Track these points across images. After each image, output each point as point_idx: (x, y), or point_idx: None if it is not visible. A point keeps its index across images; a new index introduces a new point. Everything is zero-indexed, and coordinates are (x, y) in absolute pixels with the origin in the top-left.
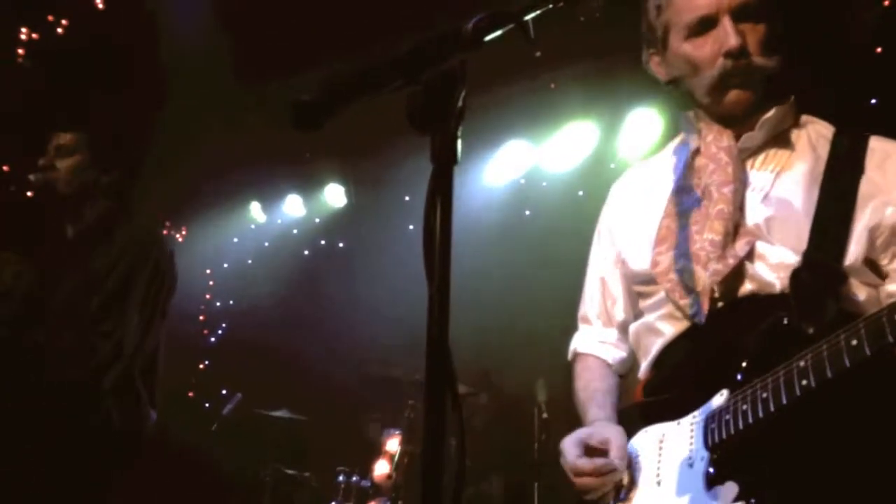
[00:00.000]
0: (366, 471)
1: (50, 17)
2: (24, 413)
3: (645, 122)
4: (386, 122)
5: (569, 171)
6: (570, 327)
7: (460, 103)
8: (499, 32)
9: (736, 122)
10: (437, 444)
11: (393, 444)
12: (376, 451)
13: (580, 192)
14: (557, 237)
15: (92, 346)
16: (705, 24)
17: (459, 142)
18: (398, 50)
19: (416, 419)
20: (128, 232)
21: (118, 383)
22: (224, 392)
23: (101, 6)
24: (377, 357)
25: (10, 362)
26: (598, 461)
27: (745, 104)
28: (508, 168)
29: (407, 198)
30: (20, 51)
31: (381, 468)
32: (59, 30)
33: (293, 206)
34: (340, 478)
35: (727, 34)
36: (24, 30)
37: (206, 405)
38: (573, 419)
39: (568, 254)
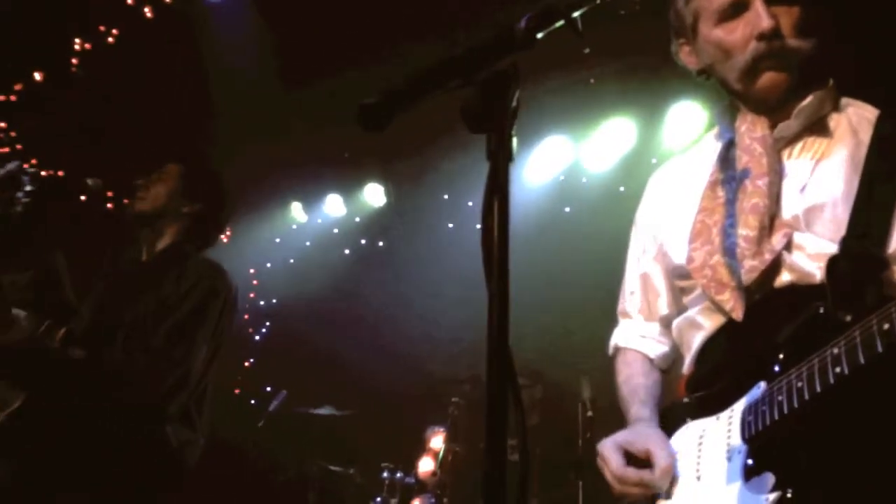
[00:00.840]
0: (410, 467)
1: (101, 28)
2: (95, 432)
3: (687, 115)
4: (425, 121)
5: (609, 167)
6: (613, 323)
7: (515, 102)
8: (550, 29)
9: (771, 109)
10: (499, 441)
11: (437, 441)
12: (420, 448)
13: (621, 188)
14: (598, 234)
15: (163, 372)
16: (737, 8)
17: (515, 140)
18: (454, 51)
19: (460, 416)
20: (199, 263)
21: (181, 410)
22: (269, 389)
23: (149, 15)
24: (419, 354)
25: (88, 382)
26: (646, 475)
27: (780, 88)
28: (548, 164)
29: (446, 196)
30: (74, 60)
31: (426, 465)
32: (110, 39)
33: (334, 206)
34: (385, 474)
35: (759, 16)
36: (77, 40)
37: (252, 402)
38: (619, 417)
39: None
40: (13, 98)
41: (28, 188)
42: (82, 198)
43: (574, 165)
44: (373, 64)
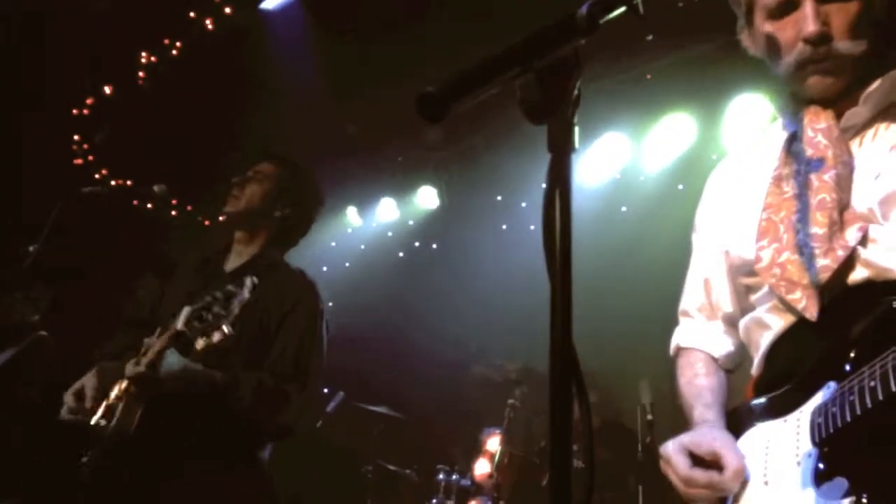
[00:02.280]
0: (466, 469)
1: (165, 41)
2: (202, 445)
3: (750, 108)
4: (478, 122)
5: (668, 165)
6: (673, 324)
7: (577, 90)
8: (612, 15)
9: (832, 100)
10: (564, 441)
11: (493, 444)
12: (477, 450)
13: (680, 187)
14: (656, 234)
15: (290, 394)
16: (786, 6)
17: (577, 129)
18: (514, 40)
19: (516, 418)
20: (294, 276)
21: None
22: (326, 391)
23: (211, 27)
24: (474, 356)
25: (227, 406)
26: (715, 476)
27: (830, 90)
28: (604, 163)
29: (499, 197)
30: (141, 73)
31: (482, 467)
32: (174, 52)
33: (387, 210)
34: (441, 476)
35: (806, 18)
36: (143, 53)
37: None
38: (679, 421)
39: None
40: (86, 112)
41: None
42: (149, 205)
43: (631, 163)
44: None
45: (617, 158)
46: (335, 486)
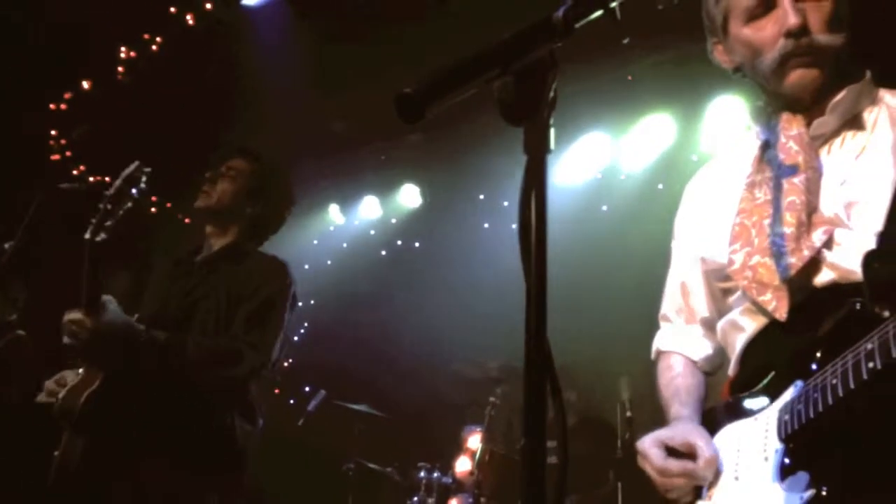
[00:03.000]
0: (447, 467)
1: (145, 35)
2: (171, 415)
3: (728, 109)
4: (460, 121)
5: (648, 165)
6: (652, 323)
7: (552, 92)
8: (588, 19)
9: (805, 106)
10: (538, 434)
11: (474, 441)
12: (458, 447)
13: (660, 186)
14: (637, 233)
15: (243, 353)
16: (764, 6)
17: (552, 131)
18: (491, 41)
19: (497, 416)
20: (265, 259)
21: (246, 400)
22: (307, 389)
23: (191, 23)
24: (455, 354)
25: (171, 363)
26: (689, 465)
27: (811, 85)
28: (585, 162)
29: (481, 196)
30: (120, 68)
31: (463, 465)
32: (154, 47)
33: (370, 208)
34: (422, 474)
35: (786, 13)
36: (123, 48)
37: (291, 402)
38: (658, 417)
39: (648, 250)
40: (63, 107)
41: (142, 186)
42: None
43: (612, 163)
44: (412, 66)
45: (598, 158)
46: (316, 485)
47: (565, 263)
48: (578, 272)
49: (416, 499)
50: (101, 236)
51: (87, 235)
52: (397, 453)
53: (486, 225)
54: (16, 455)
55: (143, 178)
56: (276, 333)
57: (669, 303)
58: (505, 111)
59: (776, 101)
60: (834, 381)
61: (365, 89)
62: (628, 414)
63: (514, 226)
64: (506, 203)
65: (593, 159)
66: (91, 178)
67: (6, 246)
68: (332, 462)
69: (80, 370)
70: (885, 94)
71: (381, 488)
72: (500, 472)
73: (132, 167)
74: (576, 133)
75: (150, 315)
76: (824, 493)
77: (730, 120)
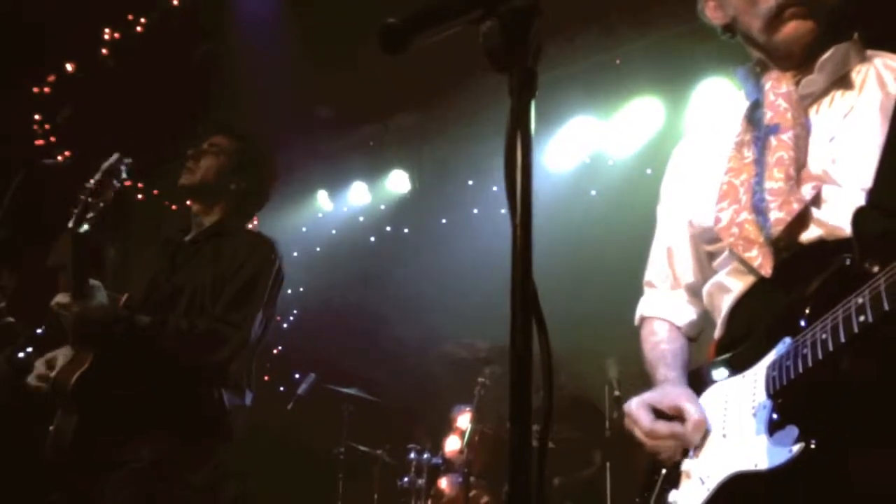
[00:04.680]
0: (437, 448)
1: (129, 16)
2: (160, 392)
3: (716, 92)
4: (449, 106)
5: (636, 150)
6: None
7: (536, 36)
8: None
9: (795, 63)
10: (524, 370)
11: (464, 421)
12: (447, 427)
13: (648, 171)
14: (625, 218)
15: (224, 334)
16: None
17: (537, 75)
18: None
19: (486, 396)
20: (250, 235)
21: (235, 376)
22: (297, 375)
23: (176, 3)
24: (445, 337)
25: (153, 345)
26: (677, 427)
27: (806, 36)
28: (573, 147)
29: (470, 182)
30: (104, 50)
31: (453, 444)
32: (139, 28)
33: (358, 194)
34: (412, 455)
35: None
36: (106, 30)
37: (281, 388)
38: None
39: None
40: (47, 90)
41: (123, 177)
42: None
43: (600, 148)
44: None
45: (586, 143)
46: (307, 468)
47: (553, 248)
48: (566, 256)
49: (406, 479)
50: (84, 228)
51: (70, 226)
52: (387, 436)
53: (475, 210)
54: (9, 432)
55: (125, 169)
56: (256, 312)
57: (654, 268)
58: (491, 56)
59: (766, 59)
60: (824, 336)
61: (352, 72)
62: (616, 393)
63: (504, 211)
64: (495, 188)
65: (581, 144)
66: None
67: None
68: (323, 445)
69: (69, 349)
70: (875, 54)
71: (371, 470)
72: (489, 451)
73: (113, 159)
74: (563, 117)
75: (140, 296)
76: (813, 445)
77: (717, 102)
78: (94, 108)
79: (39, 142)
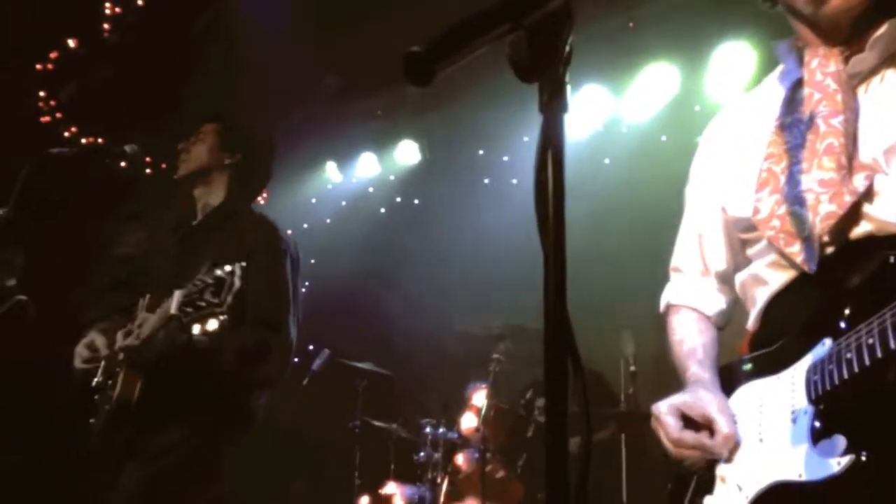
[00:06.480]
0: (451, 423)
1: None
2: (198, 398)
3: (734, 57)
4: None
5: (651, 116)
6: (655, 277)
7: (568, 47)
8: None
9: (842, 38)
10: (559, 406)
11: (479, 398)
12: (463, 404)
13: (663, 138)
14: (640, 186)
15: (266, 343)
16: None
17: (569, 88)
18: None
19: (501, 372)
20: (249, 215)
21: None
22: (311, 348)
23: None
24: (456, 310)
25: (213, 362)
26: (706, 440)
27: (855, 9)
28: (586, 115)
29: (481, 152)
30: (106, 25)
31: (469, 421)
32: (140, 2)
33: (368, 165)
34: (427, 430)
35: None
36: (107, 5)
37: (296, 360)
38: (661, 371)
39: (651, 202)
40: (50, 67)
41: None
42: (122, 164)
43: (614, 115)
44: (409, 18)
45: (599, 110)
46: (322, 443)
47: (567, 217)
48: (580, 226)
49: (422, 454)
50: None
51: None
52: (402, 410)
53: (486, 181)
54: (48, 416)
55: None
56: (290, 308)
57: (682, 254)
58: (518, 68)
59: (812, 31)
60: (871, 341)
61: (361, 41)
62: (632, 368)
63: (515, 181)
64: (505, 158)
65: (595, 111)
66: (84, 140)
67: (0, 212)
68: (338, 419)
69: (101, 335)
70: None
71: (386, 445)
72: (505, 426)
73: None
74: (575, 84)
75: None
76: (864, 458)
77: (737, 68)
78: (99, 84)
79: (45, 118)
